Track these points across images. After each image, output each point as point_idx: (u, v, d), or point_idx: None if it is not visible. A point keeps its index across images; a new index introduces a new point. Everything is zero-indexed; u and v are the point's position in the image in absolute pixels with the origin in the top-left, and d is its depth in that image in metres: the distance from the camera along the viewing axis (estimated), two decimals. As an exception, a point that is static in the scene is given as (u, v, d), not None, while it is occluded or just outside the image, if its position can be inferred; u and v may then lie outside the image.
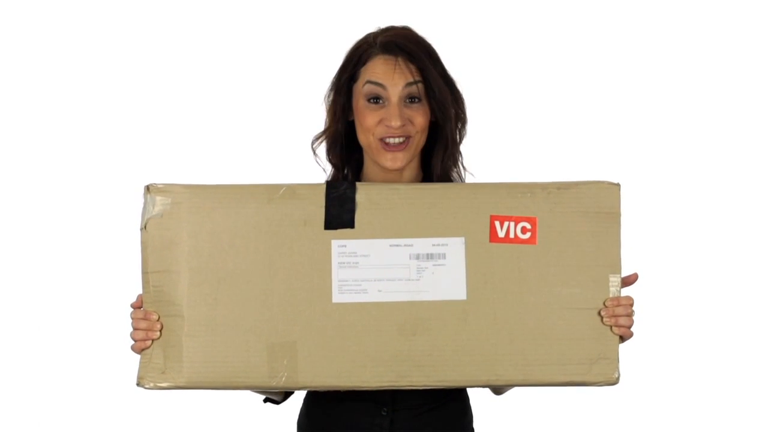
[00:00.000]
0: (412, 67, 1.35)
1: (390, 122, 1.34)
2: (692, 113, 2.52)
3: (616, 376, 1.28)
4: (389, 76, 1.35)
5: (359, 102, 1.38)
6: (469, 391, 1.50)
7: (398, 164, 1.37)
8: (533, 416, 2.29)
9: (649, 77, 2.52)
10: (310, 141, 1.47)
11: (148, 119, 2.50)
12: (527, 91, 2.48)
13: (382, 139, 1.36)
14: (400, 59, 1.35)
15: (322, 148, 1.49)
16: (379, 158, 1.37)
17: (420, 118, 1.37)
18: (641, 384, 2.19)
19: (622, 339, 1.29)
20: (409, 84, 1.35)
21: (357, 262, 1.27)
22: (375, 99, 1.36)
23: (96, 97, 2.51)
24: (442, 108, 1.38)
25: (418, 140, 1.38)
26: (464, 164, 1.47)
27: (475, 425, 1.52)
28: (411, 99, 1.37)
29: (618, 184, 1.30)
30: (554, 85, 2.50)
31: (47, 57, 2.50)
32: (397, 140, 1.36)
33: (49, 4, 2.49)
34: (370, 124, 1.36)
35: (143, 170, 1.63)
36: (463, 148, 1.45)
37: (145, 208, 1.28)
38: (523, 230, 1.28)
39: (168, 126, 2.48)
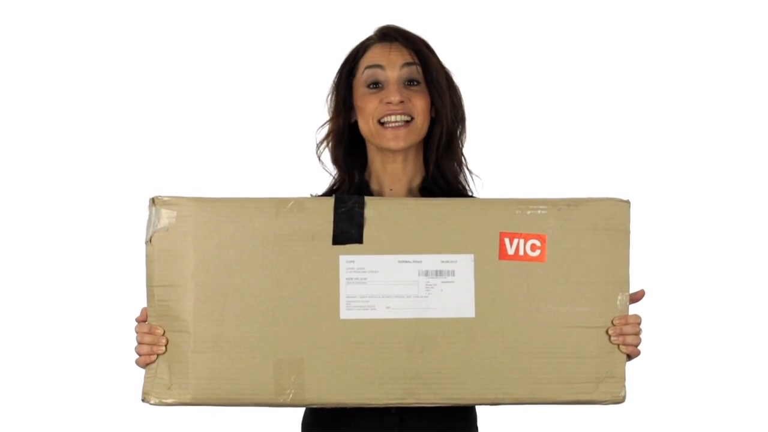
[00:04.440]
0: (410, 50, 1.39)
1: (389, 98, 1.35)
2: (701, 131, 2.51)
3: (623, 394, 1.28)
4: (386, 57, 1.38)
5: (359, 91, 1.40)
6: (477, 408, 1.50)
7: (401, 143, 1.37)
8: (537, 415, 2.29)
9: (660, 93, 2.50)
10: (315, 146, 1.48)
11: (154, 129, 2.47)
12: (535, 100, 2.47)
13: (381, 122, 1.37)
14: (397, 43, 1.39)
15: (326, 155, 1.49)
16: (381, 141, 1.38)
17: (419, 101, 1.38)
18: (647, 401, 2.19)
19: (629, 357, 1.29)
20: (406, 64, 1.38)
21: (365, 278, 1.26)
22: (374, 84, 1.39)
23: (100, 108, 2.48)
24: (439, 90, 1.39)
25: (420, 124, 1.39)
26: (470, 168, 1.47)
27: (479, 423, 1.52)
28: (410, 82, 1.39)
29: (628, 201, 1.30)
30: (563, 98, 2.49)
31: (50, 67, 2.47)
32: (398, 118, 1.37)
33: (52, 12, 2.47)
34: (370, 108, 1.38)
35: (149, 181, 1.61)
36: (474, 155, 1.45)
37: (150, 221, 1.25)
38: (533, 248, 1.28)
39: (173, 135, 2.45)
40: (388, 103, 1.36)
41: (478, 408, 1.51)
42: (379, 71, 1.38)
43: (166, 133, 2.46)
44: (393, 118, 1.37)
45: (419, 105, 1.38)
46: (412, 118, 1.38)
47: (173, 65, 2.49)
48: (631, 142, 2.48)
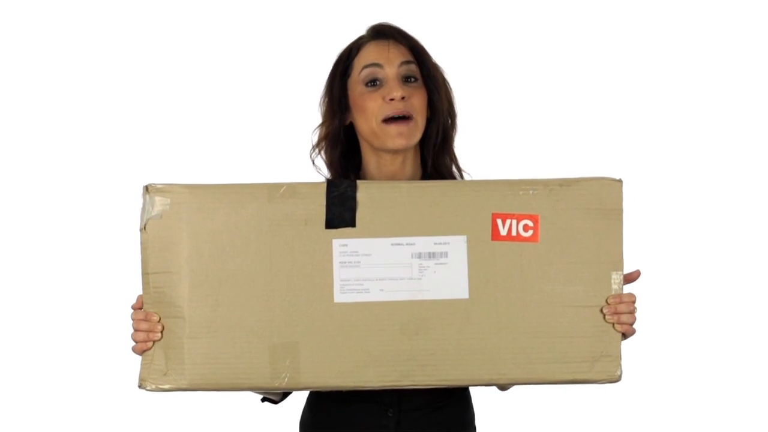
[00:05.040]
0: (406, 47, 1.38)
1: (392, 94, 1.34)
2: (693, 109, 2.51)
3: (619, 373, 1.28)
4: (384, 55, 1.37)
5: (356, 90, 1.38)
6: (471, 389, 1.50)
7: (404, 141, 1.35)
8: (534, 415, 2.30)
9: (650, 72, 2.51)
10: (309, 151, 1.46)
11: (146, 118, 2.47)
12: (526, 86, 2.47)
13: (385, 121, 1.35)
14: (393, 41, 1.38)
15: (319, 156, 1.48)
16: (385, 140, 1.36)
17: (418, 98, 1.37)
18: (643, 381, 2.19)
19: (624, 336, 1.29)
20: (404, 62, 1.37)
21: (358, 262, 1.27)
22: (372, 82, 1.36)
23: (93, 97, 2.48)
24: (436, 85, 1.38)
25: (420, 123, 1.38)
26: (460, 165, 1.47)
27: (476, 423, 1.52)
28: (407, 79, 1.37)
29: (620, 180, 1.29)
30: (554, 81, 2.49)
31: (44, 58, 2.48)
32: (401, 115, 1.35)
33: (45, 4, 2.47)
34: (372, 107, 1.35)
35: (142, 169, 1.62)
36: (463, 144, 1.45)
37: (144, 208, 1.26)
38: (525, 228, 1.28)
39: (166, 124, 2.46)
40: (391, 99, 1.34)
41: (476, 408, 1.52)
42: (377, 70, 1.36)
43: (160, 121, 2.46)
44: (397, 116, 1.35)
45: (417, 103, 1.36)
46: (412, 117, 1.36)
47: (165, 56, 2.49)
48: (622, 121, 2.48)
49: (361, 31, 1.44)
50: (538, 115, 2.47)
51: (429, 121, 1.41)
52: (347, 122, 1.43)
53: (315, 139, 1.46)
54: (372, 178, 1.43)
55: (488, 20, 2.49)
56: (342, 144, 1.44)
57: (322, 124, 1.45)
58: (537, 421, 2.31)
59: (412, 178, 1.44)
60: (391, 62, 1.36)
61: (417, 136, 1.38)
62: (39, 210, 2.46)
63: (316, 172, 1.47)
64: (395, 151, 1.38)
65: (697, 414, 2.43)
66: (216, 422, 2.35)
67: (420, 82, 1.38)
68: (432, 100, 1.39)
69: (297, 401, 1.51)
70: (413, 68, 1.37)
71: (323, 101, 1.44)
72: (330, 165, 1.46)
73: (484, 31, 2.48)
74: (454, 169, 1.47)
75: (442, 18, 2.42)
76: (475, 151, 1.48)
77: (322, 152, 1.45)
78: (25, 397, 2.44)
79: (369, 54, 1.38)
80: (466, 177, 1.47)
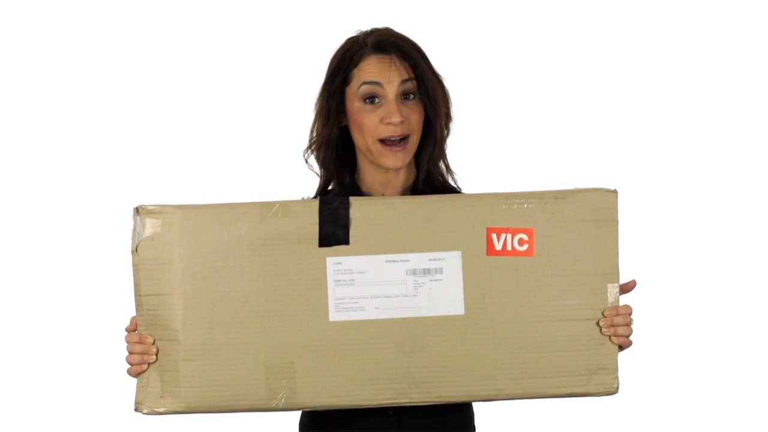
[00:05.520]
0: (406, 64, 1.35)
1: (391, 119, 1.33)
2: (687, 118, 2.49)
3: (616, 386, 1.28)
4: (385, 74, 1.34)
5: (354, 104, 1.37)
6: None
7: (399, 163, 1.36)
8: (534, 415, 2.30)
9: (644, 81, 2.48)
10: (303, 151, 1.45)
11: (138, 136, 2.44)
12: (521, 95, 2.45)
13: (381, 140, 1.35)
14: (394, 57, 1.35)
15: (312, 156, 1.46)
16: (380, 159, 1.36)
17: (415, 115, 1.36)
18: (641, 381, 2.18)
19: (621, 348, 1.29)
20: (404, 81, 1.35)
21: (353, 280, 1.26)
22: (371, 99, 1.35)
23: (84, 117, 2.45)
24: (434, 104, 1.37)
25: (416, 139, 1.38)
26: (451, 168, 1.46)
27: (476, 423, 1.52)
28: (405, 96, 1.36)
29: (615, 191, 1.29)
30: (549, 90, 2.47)
31: (35, 69, 2.45)
32: (397, 139, 1.35)
33: (38, 11, 2.44)
34: (369, 126, 1.34)
35: (134, 189, 1.60)
36: (459, 153, 1.44)
37: (135, 230, 1.25)
38: (521, 242, 1.27)
39: (157, 142, 2.42)
40: (389, 123, 1.33)
41: (475, 407, 1.52)
42: (377, 88, 1.34)
43: (150, 140, 2.43)
44: (393, 139, 1.34)
45: (415, 120, 1.36)
46: (409, 137, 1.36)
47: (155, 73, 2.46)
48: (616, 131, 2.46)
49: (355, 28, 1.41)
50: (532, 124, 2.45)
51: (425, 134, 1.40)
52: (342, 124, 1.42)
53: (309, 138, 1.44)
54: (366, 182, 1.43)
55: (484, 26, 2.47)
56: (337, 147, 1.42)
57: (316, 126, 1.43)
58: (537, 421, 2.32)
59: (406, 183, 1.44)
60: (391, 81, 1.34)
61: (412, 152, 1.38)
62: (29, 232, 2.44)
63: (309, 168, 1.45)
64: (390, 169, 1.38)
65: (693, 423, 2.43)
66: (216, 422, 2.35)
67: (417, 97, 1.37)
68: (428, 117, 1.38)
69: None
70: (410, 86, 1.36)
71: (319, 102, 1.42)
72: (324, 166, 1.44)
73: (479, 39, 2.46)
74: (446, 172, 1.46)
75: (437, 25, 2.39)
76: (470, 159, 1.47)
77: (316, 153, 1.44)
78: (22, 420, 2.41)
79: (369, 69, 1.35)
80: (463, 177, 1.46)
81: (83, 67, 2.45)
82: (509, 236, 1.27)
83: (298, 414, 1.51)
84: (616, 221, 1.28)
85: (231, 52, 2.46)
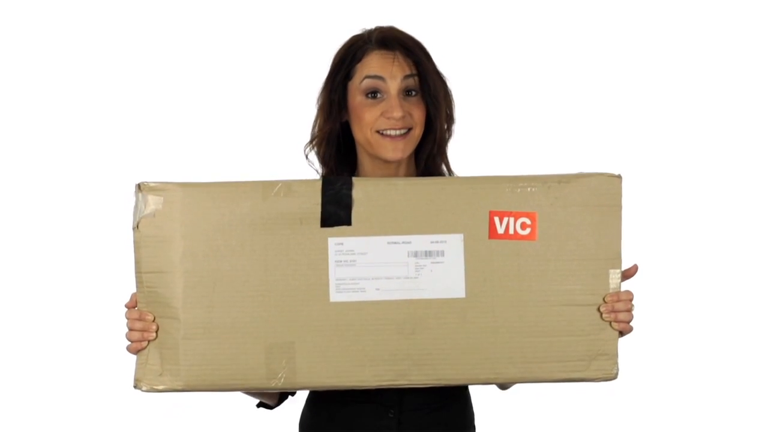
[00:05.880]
0: (409, 61, 1.35)
1: (392, 113, 1.33)
2: (692, 104, 2.48)
3: (615, 371, 1.28)
4: (388, 69, 1.34)
5: (356, 99, 1.37)
6: (471, 389, 1.50)
7: (399, 154, 1.35)
8: (534, 415, 2.30)
9: (648, 68, 2.47)
10: (303, 147, 1.45)
11: (139, 115, 2.44)
12: (524, 83, 2.44)
13: (380, 132, 1.35)
14: (398, 53, 1.35)
15: (312, 152, 1.46)
16: (379, 150, 1.36)
17: (418, 111, 1.36)
18: (640, 379, 2.19)
19: (622, 334, 1.29)
20: (407, 77, 1.35)
21: (354, 260, 1.25)
22: (373, 93, 1.36)
23: (86, 95, 2.45)
24: (435, 102, 1.37)
25: (418, 134, 1.38)
26: (451, 168, 1.47)
27: (476, 423, 1.52)
28: (408, 92, 1.36)
29: (619, 176, 1.28)
30: (552, 77, 2.46)
31: (38, 56, 2.44)
32: (397, 132, 1.35)
33: (40, 4, 2.43)
34: (369, 119, 1.35)
35: (136, 166, 1.59)
36: (461, 140, 1.43)
37: (136, 207, 1.25)
38: (523, 226, 1.27)
39: (159, 121, 2.42)
40: (389, 117, 1.34)
41: (476, 408, 1.52)
42: (379, 83, 1.34)
43: (153, 119, 2.43)
44: (393, 131, 1.35)
45: (417, 116, 1.36)
46: (409, 130, 1.36)
47: (159, 54, 2.46)
48: (620, 116, 2.45)
49: (359, 27, 1.41)
50: (536, 111, 2.44)
51: (426, 131, 1.40)
52: (344, 120, 1.42)
53: (311, 134, 1.44)
54: (369, 176, 1.42)
55: (486, 17, 2.46)
56: (338, 143, 1.42)
57: (318, 122, 1.43)
58: (537, 421, 2.32)
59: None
60: (393, 77, 1.34)
61: (412, 146, 1.38)
62: (31, 209, 2.44)
63: (308, 166, 1.45)
64: (391, 161, 1.38)
65: (694, 412, 2.43)
66: (215, 422, 2.35)
67: (420, 95, 1.37)
68: (430, 114, 1.38)
69: (296, 401, 1.51)
70: (412, 82, 1.36)
71: (321, 97, 1.42)
72: (325, 162, 1.44)
73: (481, 28, 2.45)
74: (445, 170, 1.47)
75: (439, 16, 2.38)
76: (472, 146, 1.46)
77: (317, 148, 1.44)
78: (19, 396, 2.42)
79: (372, 64, 1.35)
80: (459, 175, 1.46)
81: (89, 52, 2.45)
82: (512, 220, 1.26)
83: (298, 414, 1.52)
84: (620, 206, 1.27)
85: (234, 52, 2.46)
